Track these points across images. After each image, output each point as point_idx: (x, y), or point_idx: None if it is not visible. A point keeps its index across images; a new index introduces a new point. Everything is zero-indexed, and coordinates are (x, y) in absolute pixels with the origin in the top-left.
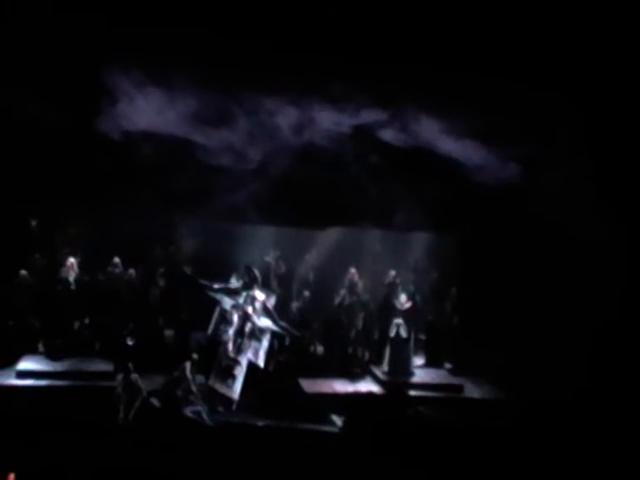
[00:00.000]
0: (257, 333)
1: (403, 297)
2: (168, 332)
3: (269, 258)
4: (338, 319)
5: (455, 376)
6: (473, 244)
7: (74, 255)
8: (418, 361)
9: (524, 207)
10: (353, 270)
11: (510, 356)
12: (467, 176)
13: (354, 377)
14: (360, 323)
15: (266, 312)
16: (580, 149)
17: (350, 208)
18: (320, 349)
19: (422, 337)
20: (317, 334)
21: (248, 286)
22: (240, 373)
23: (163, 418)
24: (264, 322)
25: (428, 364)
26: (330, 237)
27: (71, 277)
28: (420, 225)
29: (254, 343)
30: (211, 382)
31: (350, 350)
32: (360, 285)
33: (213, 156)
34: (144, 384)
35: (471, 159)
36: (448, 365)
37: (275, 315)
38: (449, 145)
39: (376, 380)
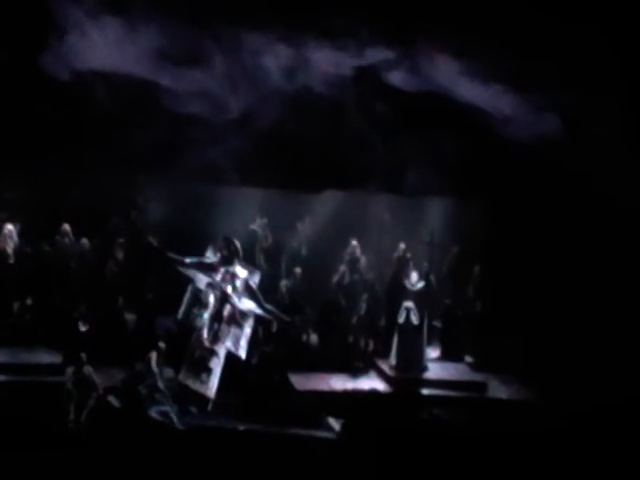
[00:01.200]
0: (238, 318)
1: (415, 276)
2: (129, 316)
3: (254, 227)
4: (336, 302)
5: (477, 372)
6: (501, 213)
7: (12, 222)
8: (432, 353)
9: (563, 169)
10: (355, 243)
11: (544, 349)
12: (494, 130)
13: (355, 372)
14: (363, 307)
15: (249, 292)
16: (631, 99)
17: (352, 168)
18: (314, 338)
19: (437, 324)
20: (311, 320)
21: (227, 261)
22: (217, 366)
23: (123, 421)
24: (246, 304)
25: (444, 357)
26: (327, 203)
27: (9, 248)
28: (436, 189)
29: (234, 330)
30: (182, 377)
31: (350, 339)
32: (363, 261)
33: (184, 103)
34: (100, 379)
35: (499, 109)
36: (469, 358)
37: (260, 296)
38: (471, 91)
39: (382, 376)
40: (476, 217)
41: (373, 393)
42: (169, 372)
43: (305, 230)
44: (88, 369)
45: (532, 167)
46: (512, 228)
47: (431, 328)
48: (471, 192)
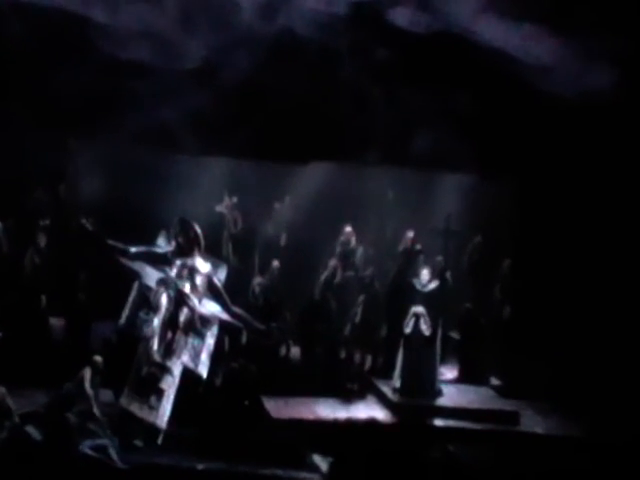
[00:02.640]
0: (198, 325)
1: (426, 273)
2: (56, 321)
3: (220, 209)
4: (324, 305)
5: (506, 398)
6: (536, 193)
7: None
8: (448, 373)
9: (617, 136)
10: (349, 230)
11: (592, 369)
12: (527, 83)
13: (348, 396)
14: (358, 312)
15: (212, 292)
16: None
17: (345, 133)
18: (296, 352)
19: (455, 336)
20: (292, 328)
21: (184, 251)
22: (170, 387)
23: (46, 457)
24: (209, 307)
25: (464, 378)
26: (314, 178)
27: None
28: (453, 161)
29: (193, 340)
30: (124, 401)
31: (342, 354)
32: (359, 253)
33: (124, 46)
34: (16, 403)
35: (534, 56)
36: (495, 380)
37: (226, 297)
38: (497, 32)
39: (382, 401)
40: (505, 198)
41: (371, 423)
42: (108, 394)
43: (285, 213)
44: (1, 390)
45: (577, 133)
46: (551, 212)
47: (447, 340)
48: (498, 165)
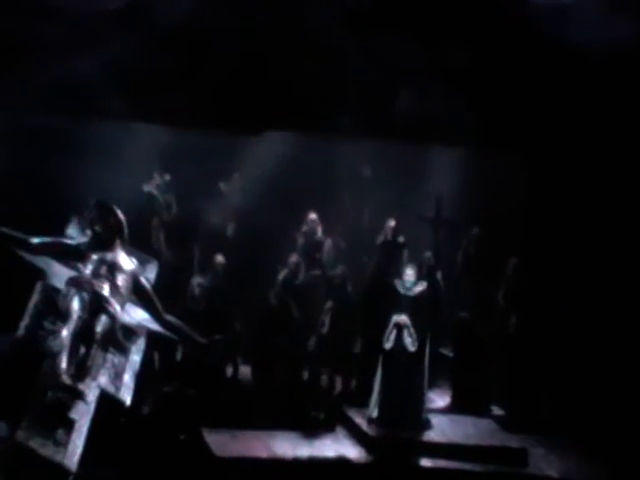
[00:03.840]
0: (120, 337)
1: (411, 273)
2: None
3: (149, 189)
4: (283, 313)
5: (511, 432)
6: (552, 175)
7: None
8: (438, 400)
9: None
10: (314, 217)
11: (618, 397)
12: (541, 30)
13: (312, 428)
14: (326, 321)
15: (139, 295)
16: None
17: (309, 93)
18: (246, 372)
19: (447, 353)
20: (241, 342)
21: (103, 243)
22: (83, 417)
23: None
24: (134, 315)
25: (458, 407)
26: (269, 151)
27: None
28: (447, 133)
29: (113, 357)
30: (22, 435)
31: (306, 374)
32: (327, 247)
33: None
34: None
35: None
36: (498, 410)
37: (157, 302)
38: None
39: (355, 435)
40: (511, 179)
41: (340, 463)
42: (1, 427)
43: (233, 196)
44: None
45: (600, 96)
46: (568, 197)
47: (437, 358)
48: (503, 137)
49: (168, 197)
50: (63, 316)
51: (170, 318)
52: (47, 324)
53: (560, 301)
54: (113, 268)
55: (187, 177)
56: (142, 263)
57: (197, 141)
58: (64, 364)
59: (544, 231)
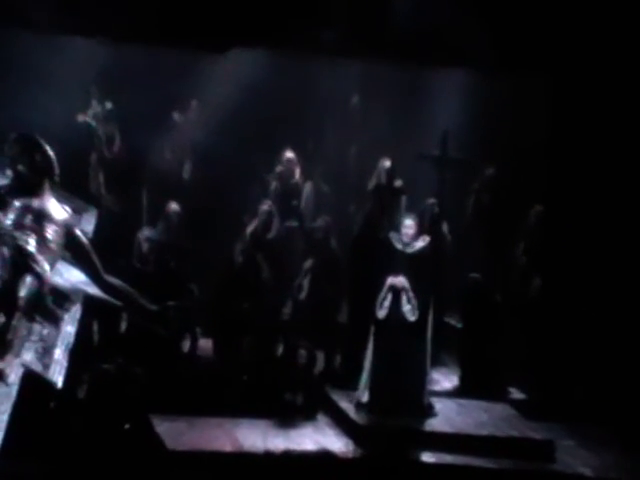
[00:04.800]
0: (49, 303)
1: (410, 225)
2: None
3: (85, 119)
4: (252, 274)
5: (534, 420)
6: (584, 100)
7: None
8: (444, 381)
9: None
10: (291, 156)
11: None
12: None
13: (288, 415)
14: (305, 285)
15: (73, 252)
16: None
17: (286, 2)
18: (207, 346)
19: (455, 323)
20: (200, 309)
21: (27, 186)
22: (3, 403)
23: None
24: (68, 276)
25: (468, 388)
26: (236, 73)
27: None
28: (456, 51)
29: (41, 328)
30: None
31: (279, 349)
32: (307, 193)
33: None
34: None
35: None
36: (517, 393)
37: (96, 260)
38: None
39: (341, 423)
40: (533, 107)
41: (323, 457)
42: None
43: (190, 128)
44: None
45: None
46: (603, 129)
47: (442, 329)
48: (524, 54)
49: (109, 129)
50: None
51: (112, 280)
52: None
53: (593, 257)
54: (40, 217)
55: (133, 105)
56: (77, 212)
57: (145, 60)
58: None
59: (573, 172)
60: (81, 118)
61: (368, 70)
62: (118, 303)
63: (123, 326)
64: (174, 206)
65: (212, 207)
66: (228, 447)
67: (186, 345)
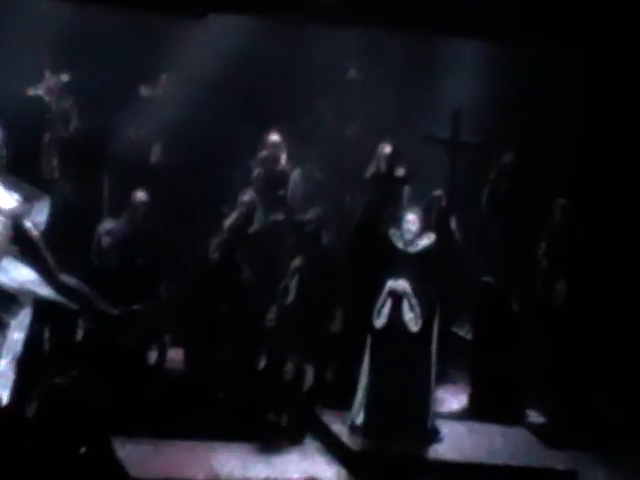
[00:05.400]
0: None
1: (414, 219)
2: None
3: (36, 92)
4: (231, 273)
5: (556, 447)
6: (620, 78)
7: None
8: (451, 401)
9: None
10: (276, 138)
11: None
12: None
13: (271, 438)
14: (292, 286)
15: (23, 247)
16: None
17: None
18: (177, 356)
19: (465, 334)
20: (170, 313)
21: None
22: None
23: None
24: (15, 275)
25: (480, 410)
26: (213, 41)
27: None
28: (470, 20)
29: None
30: None
31: (262, 361)
32: (296, 180)
33: None
34: None
35: None
36: (535, 415)
37: (49, 256)
38: None
39: (332, 448)
40: (560, 84)
41: None
42: None
43: (159, 105)
44: None
45: None
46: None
47: (450, 341)
48: (549, 23)
49: (65, 105)
50: None
51: (67, 279)
52: None
53: (626, 260)
54: None
55: (94, 77)
56: (27, 200)
57: (109, 25)
58: None
59: (605, 160)
60: (32, 92)
61: (370, 38)
62: (74, 306)
63: (79, 333)
64: (141, 195)
65: (185, 196)
66: (201, 475)
67: (153, 356)
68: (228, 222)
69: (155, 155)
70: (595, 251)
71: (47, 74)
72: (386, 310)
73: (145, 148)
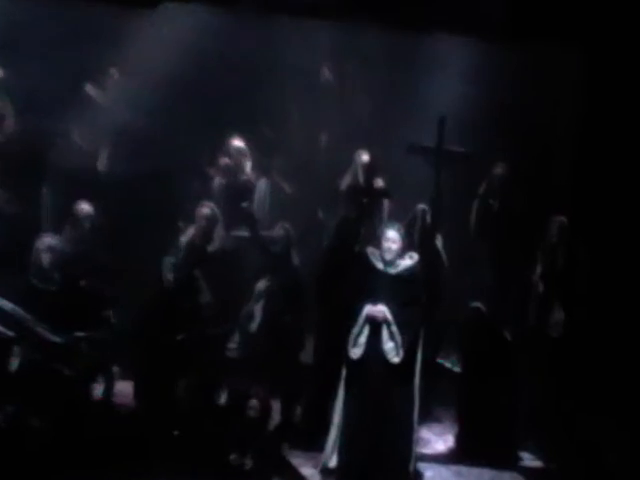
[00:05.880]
0: None
1: (394, 236)
2: None
3: None
4: (188, 297)
5: None
6: (626, 78)
7: None
8: (436, 441)
9: None
10: (239, 144)
11: None
12: None
13: None
14: (257, 313)
15: None
16: None
17: None
18: (127, 390)
19: (452, 366)
20: (119, 342)
21: None
22: None
23: None
24: None
25: (469, 452)
26: (169, 33)
27: None
28: (460, 16)
29: None
30: None
31: (222, 397)
32: (261, 191)
33: None
34: None
35: None
36: (529, 458)
37: None
38: None
39: None
40: (560, 86)
41: None
42: None
43: (107, 105)
44: None
45: None
46: None
47: (434, 374)
48: (549, 19)
49: (1, 104)
50: None
51: (1, 302)
52: None
53: (632, 284)
54: None
55: (33, 73)
56: None
57: (49, 15)
58: None
59: (608, 173)
60: None
61: (346, 35)
62: (9, 333)
63: (15, 363)
64: (86, 207)
65: (136, 209)
66: None
67: (98, 389)
68: (184, 239)
69: (102, 162)
70: (597, 274)
71: None
72: (363, 339)
73: (91, 154)
